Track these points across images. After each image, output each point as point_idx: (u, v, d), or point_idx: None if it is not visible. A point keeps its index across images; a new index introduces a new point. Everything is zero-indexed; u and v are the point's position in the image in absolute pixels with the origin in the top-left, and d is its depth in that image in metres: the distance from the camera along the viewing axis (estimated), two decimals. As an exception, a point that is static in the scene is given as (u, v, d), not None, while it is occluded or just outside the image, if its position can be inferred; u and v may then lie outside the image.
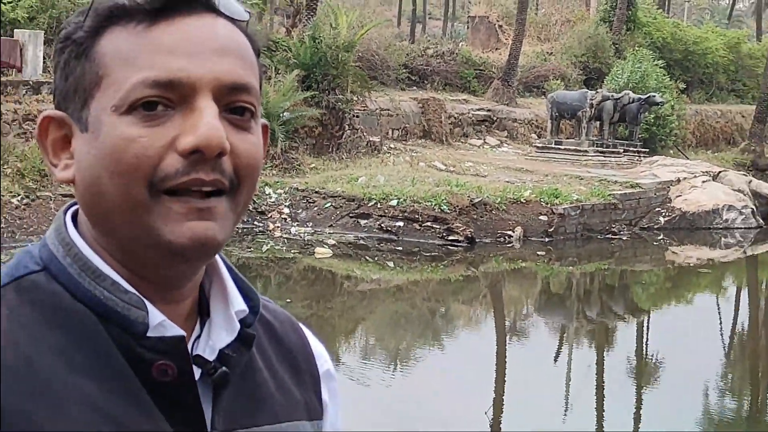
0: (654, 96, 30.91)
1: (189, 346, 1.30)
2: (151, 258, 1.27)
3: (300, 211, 22.09)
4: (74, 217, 1.34)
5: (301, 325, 1.58)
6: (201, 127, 1.22)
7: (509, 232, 21.59)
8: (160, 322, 1.26)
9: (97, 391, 1.20)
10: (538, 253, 21.15)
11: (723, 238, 25.05)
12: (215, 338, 1.34)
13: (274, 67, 26.47)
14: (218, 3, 1.30)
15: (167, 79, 1.23)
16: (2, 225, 16.83)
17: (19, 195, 18.99)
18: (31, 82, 21.88)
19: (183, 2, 1.27)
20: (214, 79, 1.25)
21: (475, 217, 21.52)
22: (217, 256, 1.41)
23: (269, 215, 21.73)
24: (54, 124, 1.30)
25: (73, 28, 1.29)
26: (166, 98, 1.23)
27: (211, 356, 1.32)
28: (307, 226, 21.57)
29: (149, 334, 1.25)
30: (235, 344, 1.35)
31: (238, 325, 1.36)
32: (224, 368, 1.31)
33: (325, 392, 1.55)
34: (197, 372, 1.30)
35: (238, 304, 1.38)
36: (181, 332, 1.29)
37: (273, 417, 1.39)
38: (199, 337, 1.35)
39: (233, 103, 1.28)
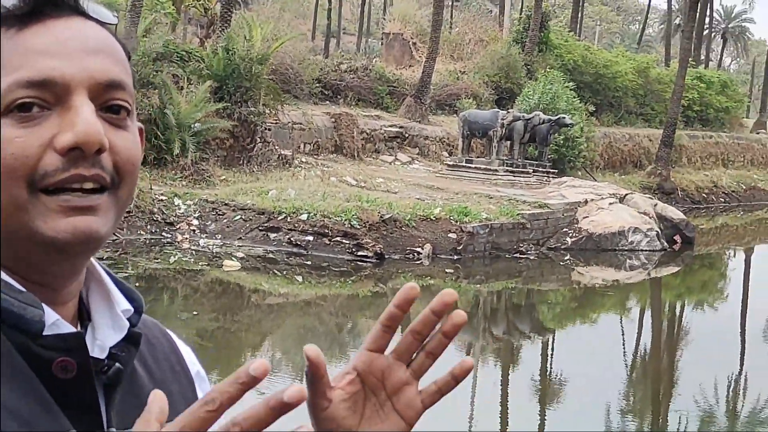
0: (564, 117, 31.18)
1: None
2: (36, 257, 1.27)
3: (209, 223, 21.96)
4: None
5: (168, 330, 1.58)
6: (79, 125, 1.22)
7: (418, 249, 21.66)
8: (54, 321, 1.26)
9: (5, 392, 1.20)
10: (447, 270, 21.24)
11: (628, 260, 25.33)
12: (103, 337, 1.34)
13: (186, 78, 26.34)
14: (86, 7, 1.30)
15: (41, 79, 1.23)
16: None
17: None
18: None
19: (51, 6, 1.27)
20: (88, 77, 1.26)
21: (384, 233, 21.57)
22: (95, 262, 1.40)
23: (178, 226, 21.57)
24: None
25: None
26: (42, 99, 1.23)
27: (101, 355, 1.32)
28: (216, 239, 21.45)
29: (46, 332, 1.25)
30: (123, 343, 1.35)
31: (126, 323, 1.37)
32: (118, 365, 1.32)
33: (199, 392, 1.56)
34: None
35: (124, 304, 1.39)
36: (79, 330, 1.31)
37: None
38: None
39: (109, 101, 1.28)
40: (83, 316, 1.37)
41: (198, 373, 1.59)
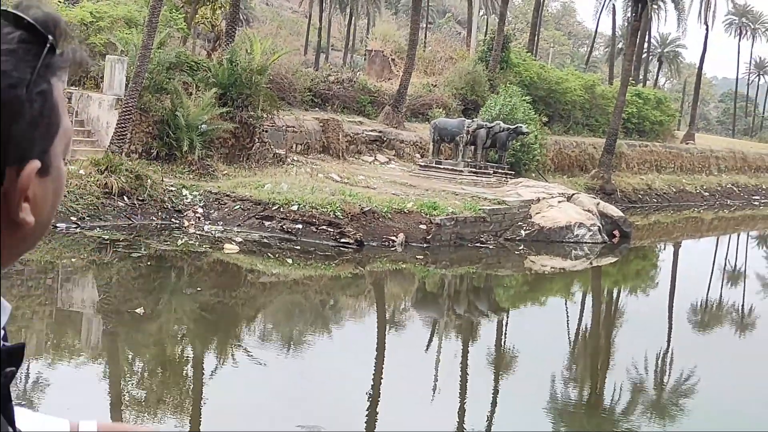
0: (521, 127, 31.30)
1: None
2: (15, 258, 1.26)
3: (212, 211, 21.94)
4: None
5: None
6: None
7: (393, 238, 21.69)
8: None
9: None
10: (417, 256, 21.28)
11: (573, 251, 25.43)
12: None
13: (195, 85, 26.24)
14: None
15: None
16: None
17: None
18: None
19: None
20: None
21: (364, 223, 21.58)
22: None
23: (185, 213, 21.54)
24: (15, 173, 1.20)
25: (14, 80, 1.14)
26: None
27: None
28: (218, 225, 21.43)
29: None
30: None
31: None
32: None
33: None
34: None
35: None
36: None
37: None
38: None
39: None
40: None
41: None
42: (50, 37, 1.18)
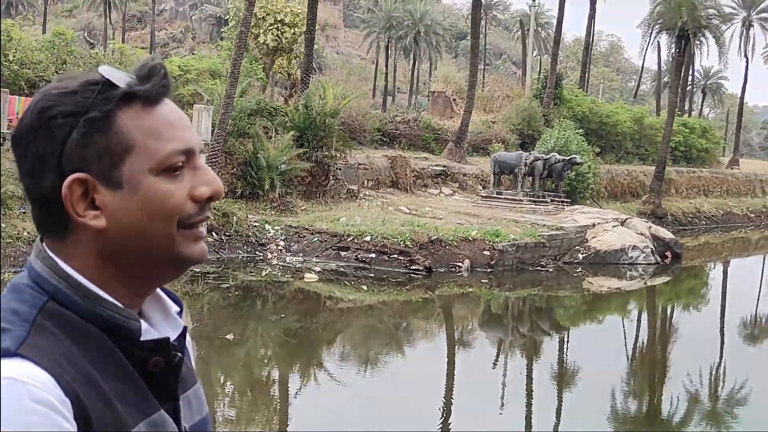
0: (575, 157, 31.12)
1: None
2: (162, 273, 1.40)
3: (293, 244, 22.07)
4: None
5: None
6: (213, 182, 1.37)
7: (459, 264, 21.64)
8: (145, 329, 1.36)
9: (122, 387, 1.31)
10: (482, 280, 21.19)
11: (628, 272, 25.15)
12: (165, 334, 1.42)
13: (274, 128, 26.51)
14: (171, 90, 1.41)
15: (188, 148, 1.35)
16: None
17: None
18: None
19: (164, 91, 1.36)
20: (197, 145, 1.38)
21: (432, 251, 21.57)
22: None
23: (268, 247, 21.70)
24: (77, 184, 1.31)
25: (73, 107, 1.31)
26: (184, 161, 1.35)
27: None
28: (299, 256, 21.54)
29: (143, 338, 1.35)
30: (180, 337, 1.44)
31: (181, 323, 1.47)
32: (179, 355, 1.41)
33: (193, 362, 1.60)
34: None
35: (174, 307, 1.48)
36: (166, 335, 1.40)
37: (190, 384, 1.48)
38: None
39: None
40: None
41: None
42: (103, 76, 1.32)
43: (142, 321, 1.36)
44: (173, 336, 1.42)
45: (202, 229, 1.38)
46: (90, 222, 1.32)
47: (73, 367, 1.25)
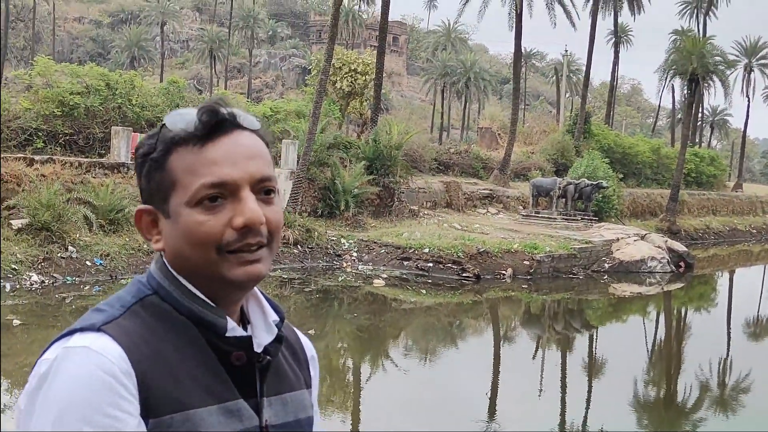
0: (602, 182, 30.87)
1: None
2: (219, 289, 1.35)
3: (364, 254, 22.13)
4: None
5: (295, 328, 1.61)
6: (247, 212, 1.29)
7: (503, 272, 21.50)
8: (232, 327, 1.35)
9: (200, 372, 1.30)
10: (523, 286, 21.03)
11: (647, 279, 24.78)
12: (260, 338, 1.40)
13: (348, 159, 26.64)
14: (242, 122, 1.35)
15: (219, 182, 1.30)
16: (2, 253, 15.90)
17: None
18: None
19: (220, 128, 1.33)
20: (249, 177, 1.32)
21: (480, 261, 21.47)
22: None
23: (343, 257, 21.78)
24: (145, 213, 1.36)
25: (147, 148, 1.34)
26: (220, 193, 1.30)
27: (258, 350, 1.39)
28: (369, 265, 21.59)
29: (227, 334, 1.34)
30: (274, 343, 1.42)
31: (276, 331, 1.43)
32: (268, 357, 1.39)
33: (312, 370, 1.58)
34: None
35: (274, 316, 1.45)
36: (249, 334, 1.38)
37: (290, 387, 1.46)
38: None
39: (263, 189, 1.34)
40: (244, 321, 1.43)
41: (312, 357, 1.60)
42: (164, 121, 1.33)
43: (229, 320, 1.34)
44: (268, 340, 1.40)
45: (254, 254, 1.32)
46: (153, 244, 1.36)
47: (149, 347, 1.26)
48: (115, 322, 1.27)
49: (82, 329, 1.26)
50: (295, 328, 1.61)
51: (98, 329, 1.25)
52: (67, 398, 1.18)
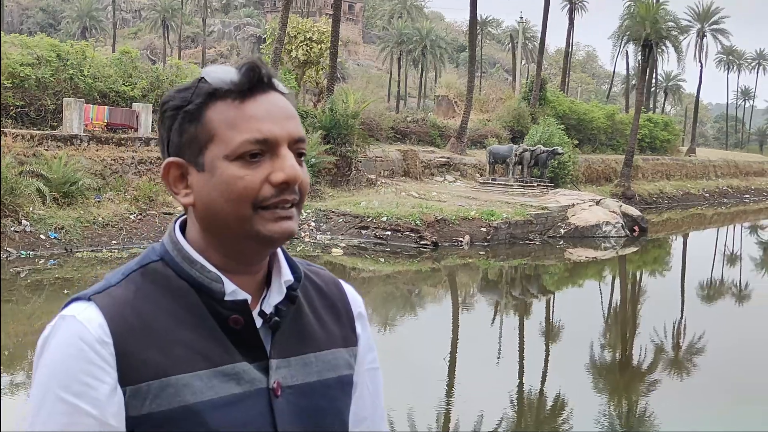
0: (557, 149, 31.04)
1: (258, 304, 1.38)
2: (249, 247, 1.33)
3: (322, 224, 22.09)
4: (182, 226, 1.40)
5: (342, 282, 1.60)
6: (288, 169, 1.30)
7: (461, 239, 21.60)
8: (232, 290, 1.33)
9: (195, 337, 1.30)
10: (480, 253, 21.16)
11: (602, 244, 25.06)
12: (272, 299, 1.39)
13: (305, 128, 26.40)
14: (277, 86, 1.35)
15: (263, 138, 1.29)
16: (110, 234, 16.51)
17: (134, 213, 18.97)
18: (143, 138, 21.89)
19: (260, 87, 1.32)
20: (288, 135, 1.32)
21: (438, 228, 21.53)
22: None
23: (301, 227, 21.71)
24: (174, 166, 1.34)
25: (179, 101, 1.33)
26: (261, 150, 1.29)
27: (269, 310, 1.37)
28: (327, 234, 21.56)
29: (226, 298, 1.32)
30: (284, 302, 1.39)
31: (285, 290, 1.40)
32: (276, 318, 1.37)
33: (359, 327, 1.57)
34: (260, 321, 1.36)
35: (287, 276, 1.42)
36: (247, 296, 1.35)
37: (316, 347, 1.43)
38: (264, 297, 1.40)
39: (297, 149, 1.34)
40: (269, 281, 1.42)
41: (360, 313, 1.58)
42: (202, 75, 1.32)
43: (228, 283, 1.33)
44: (277, 300, 1.39)
45: (287, 210, 1.32)
46: (181, 199, 1.35)
47: (136, 315, 1.28)
48: (107, 291, 1.30)
49: (78, 298, 1.30)
50: (343, 283, 1.59)
51: (89, 298, 1.29)
52: (51, 365, 1.24)
